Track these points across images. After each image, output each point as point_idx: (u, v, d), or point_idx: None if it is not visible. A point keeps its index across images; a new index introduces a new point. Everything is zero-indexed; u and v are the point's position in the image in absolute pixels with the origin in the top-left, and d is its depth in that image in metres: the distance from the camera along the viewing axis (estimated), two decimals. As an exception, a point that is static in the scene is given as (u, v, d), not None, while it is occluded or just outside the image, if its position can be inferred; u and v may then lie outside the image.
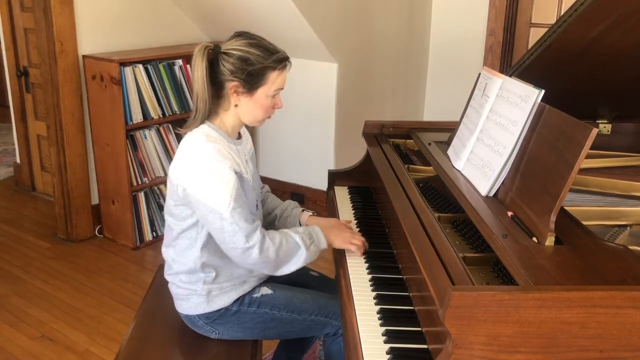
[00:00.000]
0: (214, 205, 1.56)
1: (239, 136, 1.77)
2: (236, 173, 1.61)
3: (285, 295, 1.76)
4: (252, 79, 1.62)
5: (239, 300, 1.73)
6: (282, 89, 1.69)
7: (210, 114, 1.67)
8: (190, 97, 3.53)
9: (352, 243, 1.75)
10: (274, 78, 1.65)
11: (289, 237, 1.68)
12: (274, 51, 1.65)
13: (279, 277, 1.80)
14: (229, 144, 1.67)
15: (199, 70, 1.60)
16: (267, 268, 1.67)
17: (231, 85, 1.63)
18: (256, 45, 1.63)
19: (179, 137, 3.56)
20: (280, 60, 1.65)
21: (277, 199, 1.99)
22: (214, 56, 1.63)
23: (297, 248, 1.67)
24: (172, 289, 1.77)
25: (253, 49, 1.62)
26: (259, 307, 1.73)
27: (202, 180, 1.58)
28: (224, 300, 1.71)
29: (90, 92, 3.30)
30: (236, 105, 1.67)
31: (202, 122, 1.66)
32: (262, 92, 1.65)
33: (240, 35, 1.66)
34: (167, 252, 1.76)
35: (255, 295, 1.74)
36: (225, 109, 1.68)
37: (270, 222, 1.94)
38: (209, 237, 1.67)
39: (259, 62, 1.61)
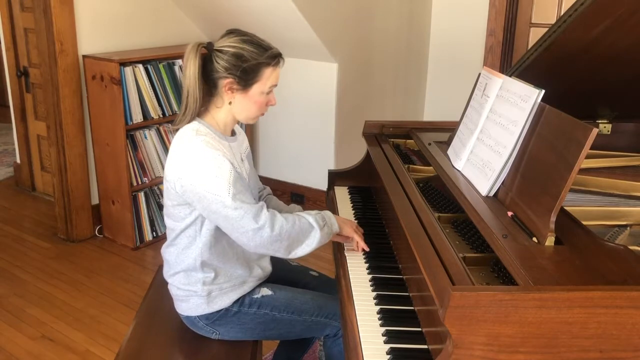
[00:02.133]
0: (214, 195, 1.55)
1: (233, 134, 1.77)
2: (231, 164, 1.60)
3: (286, 296, 1.76)
4: (246, 76, 1.62)
5: (239, 301, 1.73)
6: (275, 85, 1.68)
7: (201, 111, 1.68)
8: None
9: (356, 233, 1.75)
10: (268, 74, 1.64)
11: (301, 217, 1.66)
12: (268, 47, 1.65)
13: (279, 277, 1.80)
14: (219, 139, 1.66)
15: (191, 68, 1.60)
16: (281, 249, 1.62)
17: (225, 82, 1.62)
18: (250, 42, 1.63)
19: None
20: (274, 56, 1.65)
21: (281, 203, 1.98)
22: (207, 54, 1.63)
23: (310, 228, 1.65)
24: (172, 290, 1.77)
25: (247, 46, 1.62)
26: (259, 308, 1.73)
27: (198, 172, 1.57)
28: (224, 301, 1.71)
29: (90, 92, 3.30)
30: (230, 103, 1.66)
31: (192, 119, 1.66)
32: (257, 89, 1.65)
33: (232, 32, 1.66)
34: (168, 251, 1.75)
35: (255, 296, 1.74)
36: (218, 105, 1.68)
37: None
38: (210, 236, 1.66)
39: (253, 58, 1.61)
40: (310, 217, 1.66)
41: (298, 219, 1.65)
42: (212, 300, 1.70)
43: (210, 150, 1.58)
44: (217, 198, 1.55)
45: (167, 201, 1.70)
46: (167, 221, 1.73)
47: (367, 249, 1.75)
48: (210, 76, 1.64)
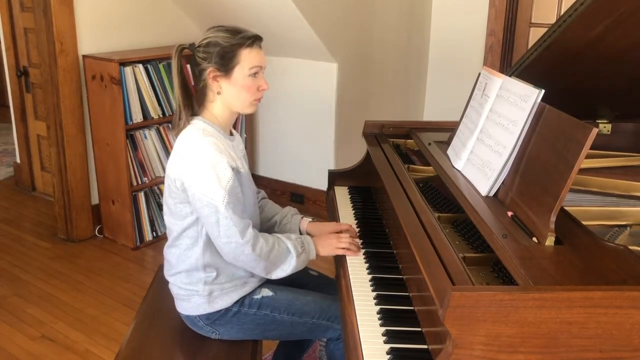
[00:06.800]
0: (209, 199, 1.58)
1: (231, 134, 1.78)
2: (232, 169, 1.62)
3: (287, 298, 1.75)
4: (224, 60, 1.65)
5: (239, 302, 1.73)
6: (260, 67, 1.69)
7: (200, 110, 1.72)
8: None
9: (339, 248, 1.76)
10: (245, 55, 1.66)
11: (281, 241, 1.70)
12: (242, 31, 1.68)
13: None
14: (224, 139, 1.69)
15: (174, 69, 1.70)
16: (259, 268, 1.67)
17: (208, 72, 1.66)
18: (223, 30, 1.68)
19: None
20: (248, 37, 1.67)
21: (276, 205, 1.99)
22: (191, 54, 1.68)
23: (287, 254, 1.69)
24: (173, 289, 1.77)
25: (220, 33, 1.67)
26: (260, 309, 1.73)
27: (199, 174, 1.59)
28: (225, 301, 1.71)
29: (90, 92, 3.30)
30: (219, 93, 1.69)
31: (187, 120, 1.70)
32: (239, 72, 1.66)
33: (210, 28, 1.71)
34: (170, 252, 1.75)
35: (255, 297, 1.74)
36: (211, 100, 1.71)
37: (269, 228, 1.93)
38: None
39: (226, 41, 1.65)
40: (289, 243, 1.70)
41: (278, 242, 1.68)
42: (213, 300, 1.70)
43: (216, 154, 1.60)
44: (211, 202, 1.58)
45: (168, 199, 1.70)
46: (168, 220, 1.73)
47: (358, 250, 1.76)
48: (196, 72, 1.69)
